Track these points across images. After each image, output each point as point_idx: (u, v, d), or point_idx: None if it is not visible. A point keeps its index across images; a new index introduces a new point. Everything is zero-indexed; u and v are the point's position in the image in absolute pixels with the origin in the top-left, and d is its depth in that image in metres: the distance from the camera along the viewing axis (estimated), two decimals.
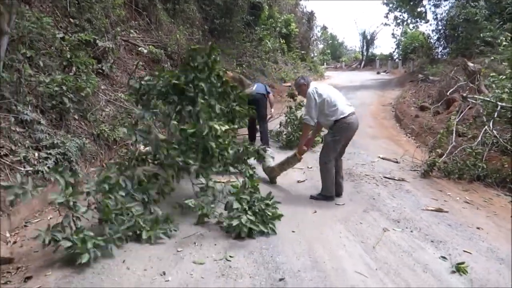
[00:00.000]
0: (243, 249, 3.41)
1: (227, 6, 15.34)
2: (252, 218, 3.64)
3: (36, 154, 5.09)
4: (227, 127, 4.31)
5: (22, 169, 4.58)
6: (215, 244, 3.48)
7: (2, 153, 4.45)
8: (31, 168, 4.75)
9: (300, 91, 4.98)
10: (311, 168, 6.16)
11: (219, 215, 3.94)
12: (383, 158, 6.90)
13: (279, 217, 3.89)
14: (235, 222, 3.57)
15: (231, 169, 4.50)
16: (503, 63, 9.42)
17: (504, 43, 10.00)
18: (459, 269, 3.14)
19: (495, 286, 2.97)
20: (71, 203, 3.12)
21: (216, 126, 4.15)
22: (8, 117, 5.03)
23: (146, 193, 3.88)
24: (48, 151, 5.17)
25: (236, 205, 3.71)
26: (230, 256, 3.25)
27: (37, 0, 7.60)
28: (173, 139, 4.20)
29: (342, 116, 4.56)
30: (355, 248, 3.49)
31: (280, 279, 2.92)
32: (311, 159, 6.68)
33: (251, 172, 4.65)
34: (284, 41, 22.49)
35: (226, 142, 4.36)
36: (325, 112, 4.62)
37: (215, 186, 4.16)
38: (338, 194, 4.87)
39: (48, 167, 4.90)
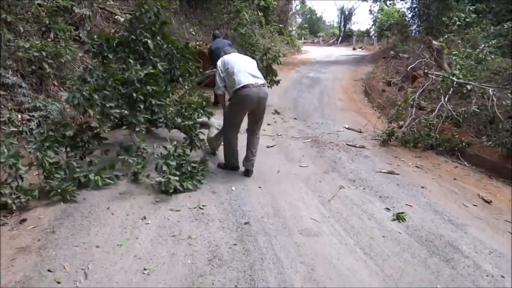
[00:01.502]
0: (215, 200, 3.87)
1: None
2: (176, 178, 3.98)
3: (19, 116, 5.35)
4: (152, 72, 4.64)
5: (7, 129, 4.85)
6: (190, 196, 3.93)
7: None
8: (15, 129, 5.04)
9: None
10: (280, 135, 6.62)
11: (147, 176, 4.26)
12: (348, 128, 7.42)
13: (203, 174, 4.29)
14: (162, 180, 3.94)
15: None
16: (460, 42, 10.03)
17: (458, 23, 10.55)
18: (399, 217, 3.69)
19: (427, 232, 3.52)
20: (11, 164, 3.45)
21: (140, 72, 4.48)
22: None
23: (82, 146, 4.38)
24: (31, 114, 5.44)
25: (164, 167, 4.02)
26: (203, 205, 3.71)
27: None
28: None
29: (238, 87, 4.35)
30: (312, 201, 4.00)
31: (245, 223, 3.40)
32: (281, 127, 7.15)
33: (196, 133, 5.06)
34: (262, 14, 22.53)
35: (165, 97, 4.78)
36: (228, 82, 4.52)
37: (146, 149, 4.43)
38: (247, 172, 4.64)
39: (31, 128, 5.19)
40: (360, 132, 7.23)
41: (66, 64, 6.64)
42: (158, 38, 5.17)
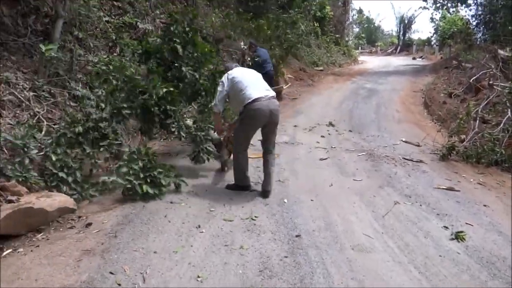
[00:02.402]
0: (267, 212, 3.93)
1: None
2: (136, 181, 4.06)
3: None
4: (171, 89, 4.91)
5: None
6: (242, 207, 4.02)
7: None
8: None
9: None
10: (334, 148, 6.57)
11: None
12: (405, 141, 7.21)
13: (164, 186, 4.25)
14: (117, 179, 4.03)
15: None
16: None
17: None
18: (458, 236, 3.54)
19: (489, 254, 3.34)
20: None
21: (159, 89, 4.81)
22: (63, 92, 5.68)
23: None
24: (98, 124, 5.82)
25: (124, 169, 4.10)
26: (255, 216, 3.78)
27: None
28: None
29: (248, 101, 4.16)
30: (365, 216, 3.94)
31: (297, 236, 3.43)
32: (335, 140, 7.10)
33: (204, 146, 5.13)
34: (318, 25, 22.52)
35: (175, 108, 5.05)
36: (236, 98, 4.35)
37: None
38: (264, 193, 4.36)
39: (96, 138, 5.56)
40: (418, 145, 6.99)
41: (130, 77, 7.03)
42: (189, 46, 5.51)
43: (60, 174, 3.90)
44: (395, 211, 4.12)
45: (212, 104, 4.59)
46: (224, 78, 4.43)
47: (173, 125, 5.08)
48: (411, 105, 11.44)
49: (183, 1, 11.96)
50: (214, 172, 5.19)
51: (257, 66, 8.56)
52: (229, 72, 4.50)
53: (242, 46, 10.65)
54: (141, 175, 4.12)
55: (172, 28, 5.43)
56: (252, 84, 4.30)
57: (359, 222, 3.78)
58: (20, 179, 3.68)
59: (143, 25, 8.58)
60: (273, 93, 4.38)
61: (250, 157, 5.34)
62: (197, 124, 5.36)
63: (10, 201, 3.39)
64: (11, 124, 4.32)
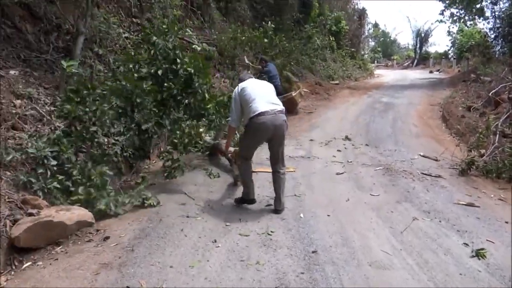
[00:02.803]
0: (283, 227, 3.91)
1: (277, 4, 15.79)
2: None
3: (106, 140, 5.83)
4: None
5: (95, 152, 5.31)
6: (258, 221, 4.01)
7: None
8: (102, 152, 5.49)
9: None
10: (350, 162, 6.52)
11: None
12: (423, 156, 7.11)
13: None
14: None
15: None
16: None
17: None
18: (478, 254, 3.46)
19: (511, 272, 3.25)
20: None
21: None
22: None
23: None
24: (116, 138, 5.90)
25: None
26: (271, 231, 3.77)
27: (104, 2, 8.46)
28: None
29: (253, 114, 4.12)
30: (383, 231, 3.89)
31: (313, 251, 3.40)
32: (352, 154, 7.06)
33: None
34: (333, 39, 22.60)
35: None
36: (244, 110, 4.32)
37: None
38: (276, 211, 4.30)
39: (116, 152, 5.64)
40: (437, 160, 6.89)
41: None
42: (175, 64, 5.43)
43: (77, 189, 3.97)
44: (413, 227, 4.05)
45: (230, 120, 4.57)
46: (235, 92, 4.44)
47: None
48: (428, 119, 11.31)
49: (200, 17, 12.17)
50: (227, 186, 5.21)
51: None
52: (240, 84, 4.50)
53: (246, 61, 10.78)
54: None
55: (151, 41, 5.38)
56: (260, 97, 4.24)
57: (377, 238, 3.73)
58: (45, 190, 3.80)
59: (161, 41, 8.73)
60: (281, 108, 4.29)
61: (265, 171, 5.40)
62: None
63: (30, 214, 3.46)
64: (34, 138, 4.42)
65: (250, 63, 10.46)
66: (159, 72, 5.22)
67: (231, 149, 5.60)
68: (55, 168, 4.02)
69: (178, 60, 5.33)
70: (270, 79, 8.99)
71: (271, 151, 4.43)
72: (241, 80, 4.65)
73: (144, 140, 5.18)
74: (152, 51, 5.43)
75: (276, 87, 8.67)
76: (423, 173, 6.02)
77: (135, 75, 5.22)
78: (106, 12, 8.16)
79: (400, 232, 3.90)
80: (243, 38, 11.29)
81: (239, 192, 4.77)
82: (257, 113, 4.11)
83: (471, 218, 4.39)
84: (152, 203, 4.30)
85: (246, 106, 4.24)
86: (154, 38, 5.37)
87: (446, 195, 5.15)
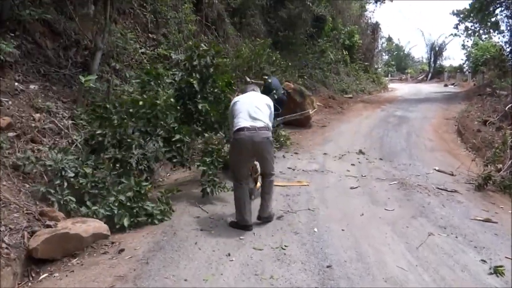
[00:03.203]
0: (297, 241, 3.89)
1: (291, 19, 15.93)
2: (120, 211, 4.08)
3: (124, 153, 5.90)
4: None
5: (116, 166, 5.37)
6: (272, 235, 4.00)
7: None
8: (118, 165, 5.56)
9: None
10: (364, 176, 6.48)
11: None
12: (438, 170, 7.03)
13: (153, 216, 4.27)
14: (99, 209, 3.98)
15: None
16: None
17: None
18: (497, 271, 3.39)
19: None
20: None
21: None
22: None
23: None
24: (132, 151, 5.98)
25: (111, 199, 4.08)
26: (285, 246, 3.75)
27: (121, 18, 8.66)
28: None
29: (234, 130, 4.14)
30: (398, 247, 3.84)
31: (328, 266, 3.37)
32: (366, 168, 7.02)
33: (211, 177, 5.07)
34: (347, 53, 22.66)
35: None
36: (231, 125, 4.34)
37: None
38: (258, 217, 4.29)
39: (131, 164, 5.70)
40: (452, 175, 6.81)
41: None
42: (209, 81, 5.61)
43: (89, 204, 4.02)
44: (429, 242, 3.99)
45: (230, 132, 4.57)
46: (231, 104, 4.47)
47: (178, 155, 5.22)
48: (443, 133, 11.21)
49: (214, 32, 12.34)
50: None
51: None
52: (237, 97, 4.55)
53: (247, 78, 10.87)
54: (128, 205, 4.15)
55: (194, 62, 5.51)
56: (244, 112, 4.19)
57: (392, 254, 3.69)
58: (61, 202, 3.88)
59: (176, 56, 8.87)
60: (263, 124, 4.15)
61: (278, 185, 5.41)
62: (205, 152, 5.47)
63: (48, 226, 3.52)
64: (52, 150, 4.51)
65: (251, 80, 10.58)
66: (196, 87, 5.40)
67: None
68: (72, 179, 4.09)
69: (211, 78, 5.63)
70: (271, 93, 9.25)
71: (259, 164, 4.48)
72: (243, 92, 4.71)
73: (177, 148, 5.23)
74: (189, 68, 5.61)
75: (281, 100, 8.94)
76: (438, 188, 5.95)
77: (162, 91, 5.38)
78: (123, 27, 8.36)
79: (415, 248, 3.85)
80: (245, 55, 11.46)
81: (255, 206, 4.69)
82: (236, 128, 4.11)
83: (488, 234, 4.32)
84: (164, 219, 4.34)
85: (232, 120, 4.28)
86: (195, 59, 5.54)
87: (463, 210, 5.08)
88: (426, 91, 25.91)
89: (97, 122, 4.77)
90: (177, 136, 5.09)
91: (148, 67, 7.70)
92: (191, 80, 5.43)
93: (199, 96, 5.49)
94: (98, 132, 4.62)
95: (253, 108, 4.23)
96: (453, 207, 5.19)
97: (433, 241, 4.03)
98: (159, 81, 5.57)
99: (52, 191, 3.89)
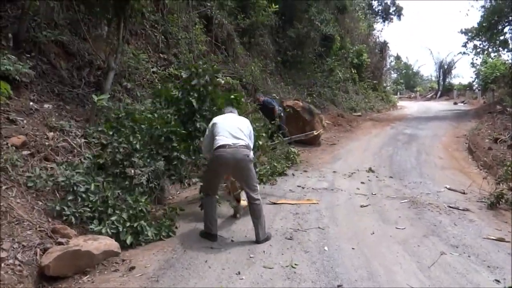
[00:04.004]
0: (307, 259, 3.87)
1: (299, 39, 16.14)
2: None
3: (133, 171, 5.96)
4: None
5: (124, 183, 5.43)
6: (282, 254, 3.99)
7: None
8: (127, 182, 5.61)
9: None
10: (374, 194, 6.45)
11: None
12: (449, 189, 6.97)
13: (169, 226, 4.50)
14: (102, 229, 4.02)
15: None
16: None
17: None
18: None
19: None
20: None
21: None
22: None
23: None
24: (142, 169, 6.03)
25: (114, 218, 4.14)
26: (295, 264, 3.73)
27: (133, 38, 8.85)
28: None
29: (214, 147, 4.24)
30: (410, 266, 3.80)
31: (338, 286, 3.34)
32: (376, 186, 6.99)
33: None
34: (355, 71, 22.78)
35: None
36: (211, 144, 4.41)
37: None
38: (256, 241, 4.26)
39: (142, 182, 5.75)
40: (464, 193, 6.74)
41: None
42: (207, 100, 5.65)
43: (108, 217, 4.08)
44: (441, 262, 3.94)
45: (203, 152, 4.82)
46: (210, 124, 4.57)
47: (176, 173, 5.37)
48: (454, 151, 11.13)
49: (224, 51, 12.53)
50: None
51: (266, 114, 9.89)
52: (214, 119, 4.62)
53: (258, 96, 11.11)
54: (127, 224, 4.18)
55: (192, 82, 5.56)
56: (225, 131, 4.32)
57: (403, 273, 3.65)
58: (76, 215, 3.97)
59: (187, 75, 9.01)
60: (245, 143, 4.30)
61: (287, 203, 5.43)
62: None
63: (59, 243, 3.56)
64: (63, 166, 4.57)
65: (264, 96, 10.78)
66: (194, 105, 5.48)
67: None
68: (83, 195, 4.16)
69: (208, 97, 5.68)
70: (268, 113, 9.79)
71: (239, 184, 4.61)
72: (222, 113, 4.87)
73: (174, 166, 5.32)
74: (188, 88, 5.67)
75: (280, 117, 9.34)
76: (450, 207, 5.89)
77: (164, 111, 5.49)
78: (135, 48, 8.55)
79: (427, 267, 3.80)
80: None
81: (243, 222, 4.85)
82: (217, 145, 4.23)
83: (501, 253, 4.25)
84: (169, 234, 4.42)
85: (213, 140, 4.36)
86: (194, 77, 5.59)
87: (475, 229, 5.01)
88: (436, 109, 25.84)
89: (111, 131, 4.86)
90: (175, 154, 5.19)
91: (159, 86, 7.86)
92: (191, 98, 5.49)
93: (197, 115, 5.56)
94: (110, 143, 4.73)
95: (234, 129, 4.38)
96: (465, 226, 5.13)
97: (445, 261, 3.98)
98: (169, 101, 5.67)
99: (66, 207, 3.96)
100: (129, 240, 4.06)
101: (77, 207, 4.02)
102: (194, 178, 5.83)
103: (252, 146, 4.50)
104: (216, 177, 4.47)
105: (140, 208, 4.36)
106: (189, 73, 5.68)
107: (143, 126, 5.05)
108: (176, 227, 4.60)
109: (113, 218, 4.13)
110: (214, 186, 4.50)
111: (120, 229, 4.09)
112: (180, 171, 5.40)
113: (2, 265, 3.10)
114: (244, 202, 5.07)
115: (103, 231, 3.96)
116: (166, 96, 5.74)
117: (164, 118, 5.25)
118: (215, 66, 6.06)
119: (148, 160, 5.03)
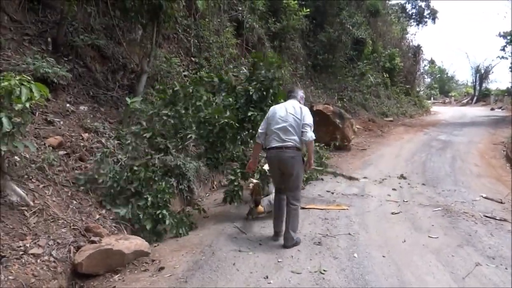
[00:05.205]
0: (336, 266, 3.81)
1: (330, 43, 16.00)
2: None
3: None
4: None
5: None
6: (311, 259, 3.94)
7: None
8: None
9: None
10: (406, 202, 6.29)
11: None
12: (486, 198, 6.71)
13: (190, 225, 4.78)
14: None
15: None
16: None
17: None
18: None
19: None
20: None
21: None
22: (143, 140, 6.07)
23: None
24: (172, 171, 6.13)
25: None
26: (324, 270, 3.68)
27: (166, 43, 9.01)
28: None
29: (266, 147, 4.41)
30: (443, 277, 3.67)
31: None
32: (407, 193, 6.82)
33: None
34: (387, 75, 22.37)
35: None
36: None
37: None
38: (284, 245, 4.24)
39: (172, 184, 5.83)
40: (501, 202, 6.48)
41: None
42: (269, 93, 5.63)
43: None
44: (476, 273, 3.80)
45: (257, 135, 4.62)
46: (269, 111, 4.55)
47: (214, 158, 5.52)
48: (491, 158, 10.73)
49: None
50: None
51: None
52: (275, 106, 4.58)
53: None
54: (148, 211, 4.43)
55: (257, 73, 5.62)
56: (277, 131, 4.29)
57: (436, 283, 3.53)
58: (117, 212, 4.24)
59: (251, 63, 9.08)
60: (291, 144, 4.24)
61: (316, 208, 5.38)
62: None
63: (92, 242, 3.65)
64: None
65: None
66: (253, 95, 5.52)
67: (254, 180, 5.66)
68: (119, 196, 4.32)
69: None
70: None
71: (283, 182, 4.48)
72: (289, 92, 4.76)
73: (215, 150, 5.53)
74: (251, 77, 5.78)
75: None
76: (486, 216, 5.67)
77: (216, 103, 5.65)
78: (168, 52, 8.70)
79: (462, 278, 3.67)
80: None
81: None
82: (268, 147, 4.38)
83: None
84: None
85: (266, 135, 4.43)
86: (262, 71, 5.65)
87: None
88: (471, 114, 25.02)
89: (164, 103, 5.13)
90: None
91: (191, 90, 7.96)
92: (249, 87, 5.53)
93: (255, 105, 5.56)
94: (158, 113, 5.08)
95: (283, 128, 4.29)
96: (503, 236, 4.92)
97: (481, 272, 3.82)
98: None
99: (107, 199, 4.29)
100: (148, 225, 4.29)
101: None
102: (228, 169, 5.87)
103: (306, 139, 4.27)
104: (274, 173, 4.63)
105: (165, 198, 4.59)
106: (253, 61, 5.75)
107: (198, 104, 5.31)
108: (196, 226, 4.79)
109: (140, 203, 4.43)
110: (275, 180, 4.73)
111: (141, 216, 4.36)
112: (219, 156, 5.49)
113: (38, 261, 3.21)
114: (261, 209, 5.18)
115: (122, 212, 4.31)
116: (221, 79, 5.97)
117: (220, 108, 5.33)
118: (279, 61, 6.10)
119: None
